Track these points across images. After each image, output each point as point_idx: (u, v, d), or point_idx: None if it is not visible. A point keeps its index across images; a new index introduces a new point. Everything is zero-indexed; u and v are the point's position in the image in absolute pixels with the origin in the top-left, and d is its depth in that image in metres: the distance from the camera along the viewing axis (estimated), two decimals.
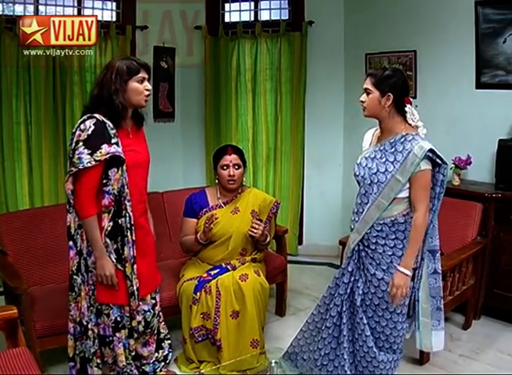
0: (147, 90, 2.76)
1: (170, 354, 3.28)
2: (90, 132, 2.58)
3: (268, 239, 3.58)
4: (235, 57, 5.49)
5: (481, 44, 4.27)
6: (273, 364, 2.71)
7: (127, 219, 2.72)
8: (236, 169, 3.52)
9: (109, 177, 2.65)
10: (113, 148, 2.62)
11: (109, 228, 2.67)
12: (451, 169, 4.28)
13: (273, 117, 5.57)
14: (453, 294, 3.69)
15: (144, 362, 3.10)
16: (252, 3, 5.60)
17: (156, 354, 3.14)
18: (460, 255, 3.64)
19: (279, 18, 5.56)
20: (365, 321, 2.81)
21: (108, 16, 5.11)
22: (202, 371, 3.33)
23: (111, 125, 2.66)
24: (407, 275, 2.66)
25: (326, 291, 3.01)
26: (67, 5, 4.85)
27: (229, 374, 3.21)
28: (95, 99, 2.72)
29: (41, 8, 4.72)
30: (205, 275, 3.42)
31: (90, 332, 2.79)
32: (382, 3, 5.05)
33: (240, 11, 5.60)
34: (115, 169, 2.65)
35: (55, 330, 3.09)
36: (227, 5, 5.64)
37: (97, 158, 2.57)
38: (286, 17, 5.55)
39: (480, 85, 4.34)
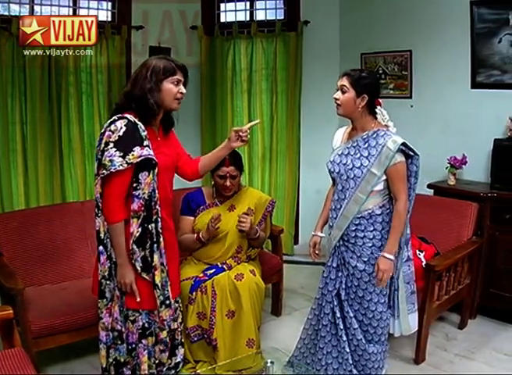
0: (181, 93, 2.66)
1: (182, 363, 3.02)
2: (121, 133, 2.45)
3: (258, 233, 3.57)
4: (230, 57, 5.48)
5: (476, 43, 4.28)
6: (269, 364, 2.70)
7: (158, 224, 2.58)
8: (233, 179, 3.53)
9: (140, 181, 2.50)
10: (145, 151, 2.47)
11: (138, 234, 2.52)
12: (446, 168, 4.30)
13: (269, 117, 5.57)
14: (449, 293, 3.69)
15: (158, 368, 2.88)
16: (247, 3, 5.59)
17: (169, 361, 2.90)
18: (455, 255, 3.64)
19: (274, 18, 5.55)
20: (352, 314, 2.90)
21: (104, 16, 5.08)
22: (198, 371, 3.33)
23: (142, 127, 2.52)
24: (391, 260, 2.76)
25: (317, 292, 3.08)
26: (63, 4, 4.83)
27: (225, 374, 3.21)
28: (127, 96, 2.60)
29: (37, 8, 4.70)
30: (201, 275, 3.42)
31: (124, 335, 2.67)
32: (377, 3, 5.06)
33: (235, 11, 5.60)
34: (146, 173, 2.50)
35: (50, 331, 3.09)
36: (222, 5, 5.63)
37: (129, 161, 2.42)
38: (282, 17, 5.55)
39: (475, 85, 4.35)
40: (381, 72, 5.01)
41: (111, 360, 2.73)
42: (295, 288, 4.76)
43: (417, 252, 3.61)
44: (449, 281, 3.67)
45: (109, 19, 5.11)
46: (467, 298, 3.95)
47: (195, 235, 3.51)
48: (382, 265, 2.75)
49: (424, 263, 3.52)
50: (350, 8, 5.31)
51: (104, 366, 2.72)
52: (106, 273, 2.60)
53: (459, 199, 4.04)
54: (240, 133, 2.82)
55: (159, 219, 2.60)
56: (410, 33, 4.78)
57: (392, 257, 2.75)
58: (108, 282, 2.61)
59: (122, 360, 2.72)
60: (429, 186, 4.33)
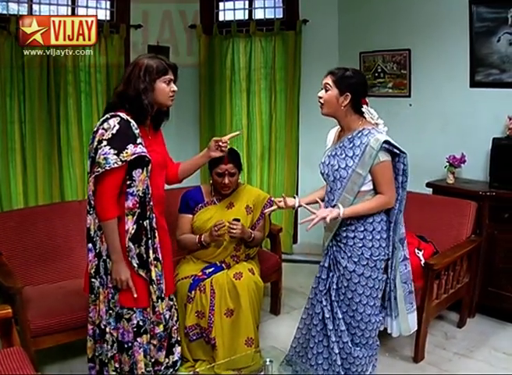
0: (173, 91, 2.67)
1: (179, 361, 3.04)
2: (114, 131, 2.47)
3: (252, 236, 3.56)
4: (229, 56, 5.49)
5: (475, 42, 4.28)
6: (268, 363, 2.70)
7: (151, 220, 2.61)
8: (231, 176, 3.53)
9: (133, 178, 2.52)
10: (139, 149, 2.50)
11: (133, 231, 2.54)
12: (445, 167, 4.30)
13: (267, 116, 5.58)
14: (448, 292, 3.70)
15: (156, 368, 2.89)
16: (246, 2, 5.59)
17: (166, 359, 2.92)
18: (454, 254, 3.64)
19: (273, 17, 5.56)
20: (340, 316, 2.87)
21: (103, 14, 5.08)
22: (197, 370, 3.33)
23: (135, 124, 2.54)
24: (335, 215, 2.66)
25: (311, 292, 3.05)
26: (61, 3, 4.83)
27: (224, 373, 3.20)
28: (120, 96, 2.61)
29: (35, 7, 4.70)
30: (200, 273, 3.42)
31: (107, 336, 2.69)
32: (376, 2, 5.05)
33: (234, 10, 5.60)
34: (140, 170, 2.53)
35: (49, 330, 3.10)
36: (221, 4, 5.63)
37: (123, 159, 2.45)
38: (281, 16, 5.55)
39: (474, 84, 4.35)
40: (380, 71, 5.01)
41: (97, 354, 2.78)
42: (294, 287, 4.76)
43: (416, 251, 3.61)
44: (448, 280, 3.67)
45: (108, 18, 5.12)
46: (466, 297, 3.95)
47: (197, 237, 3.50)
48: (326, 210, 2.69)
49: (423, 262, 3.52)
50: (349, 7, 5.31)
51: (89, 356, 2.80)
52: (93, 271, 2.63)
53: (458, 198, 4.04)
54: (220, 144, 2.86)
55: (153, 216, 2.63)
56: (408, 32, 4.78)
57: (341, 213, 2.66)
58: (93, 280, 2.64)
59: (103, 359, 2.76)
60: (428, 185, 4.33)
